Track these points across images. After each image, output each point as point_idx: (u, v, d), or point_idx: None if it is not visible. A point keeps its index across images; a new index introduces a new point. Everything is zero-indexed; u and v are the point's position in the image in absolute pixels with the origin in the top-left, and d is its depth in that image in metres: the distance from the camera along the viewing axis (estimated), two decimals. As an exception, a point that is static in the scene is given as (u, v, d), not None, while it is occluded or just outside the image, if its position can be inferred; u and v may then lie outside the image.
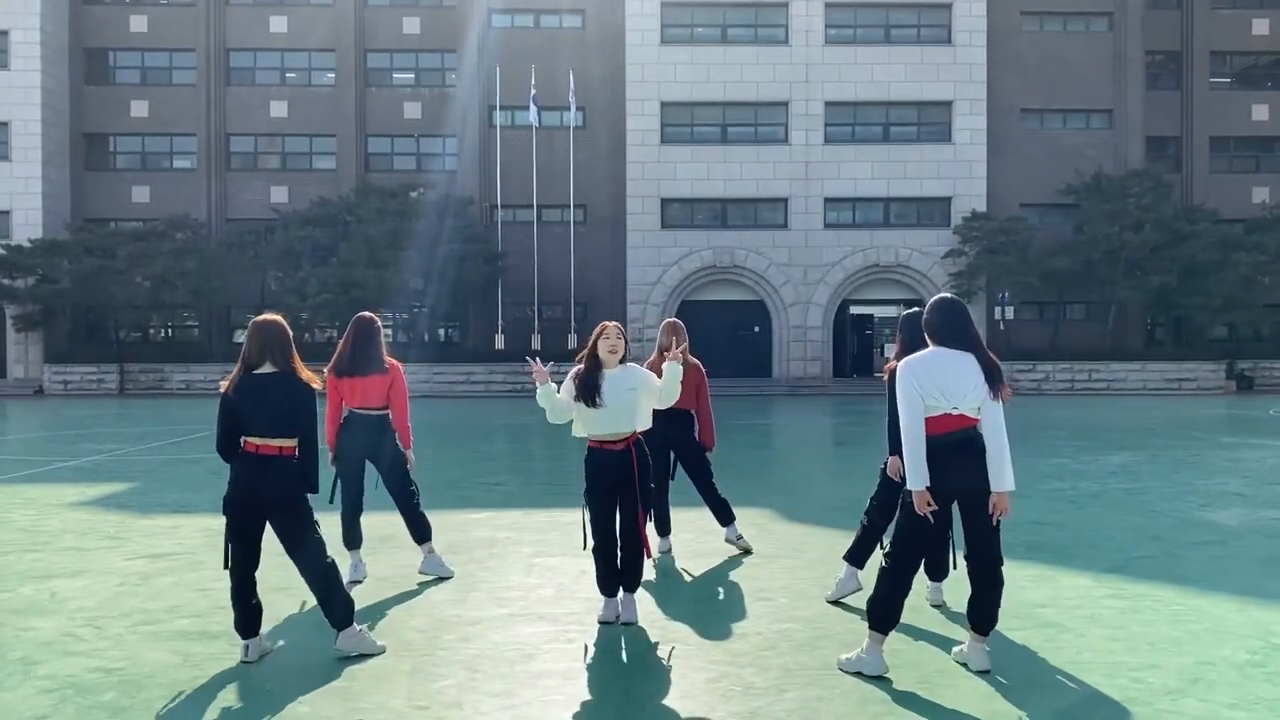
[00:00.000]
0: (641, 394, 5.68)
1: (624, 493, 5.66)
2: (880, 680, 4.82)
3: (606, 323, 5.80)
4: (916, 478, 4.72)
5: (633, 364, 5.77)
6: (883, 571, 4.94)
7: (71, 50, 36.82)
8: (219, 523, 8.91)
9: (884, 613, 4.89)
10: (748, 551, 7.72)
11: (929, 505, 4.73)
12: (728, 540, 7.79)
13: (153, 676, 4.90)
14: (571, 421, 5.74)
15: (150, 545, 8.05)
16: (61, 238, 34.57)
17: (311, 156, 37.39)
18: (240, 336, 36.67)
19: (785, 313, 35.18)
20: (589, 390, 5.58)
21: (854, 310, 37.47)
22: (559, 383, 5.70)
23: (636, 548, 5.71)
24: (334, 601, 5.18)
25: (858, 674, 4.89)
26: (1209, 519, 9.13)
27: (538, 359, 5.70)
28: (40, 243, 33.95)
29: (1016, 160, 35.73)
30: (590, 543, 5.79)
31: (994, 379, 4.79)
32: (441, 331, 37.13)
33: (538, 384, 5.54)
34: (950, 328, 4.87)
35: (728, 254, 35.07)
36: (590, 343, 5.72)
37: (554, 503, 10.11)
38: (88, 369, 34.40)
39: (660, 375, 6.41)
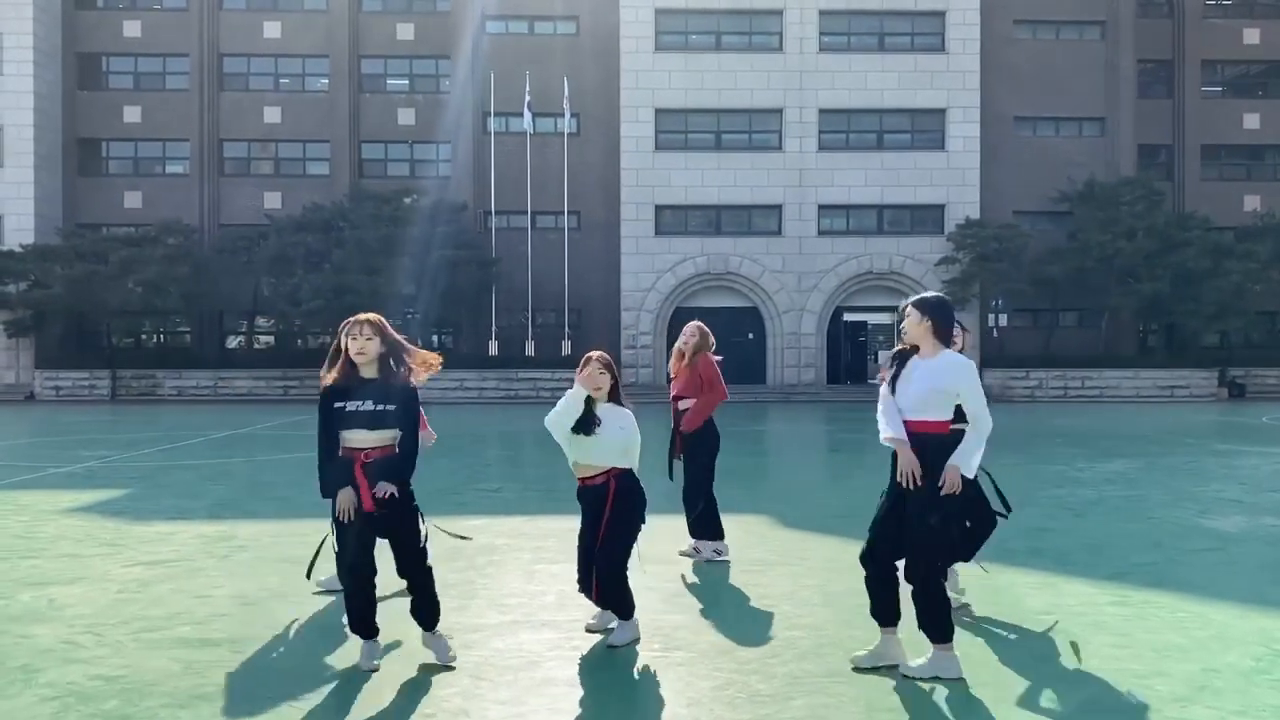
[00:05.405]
0: (629, 436, 5.55)
1: (604, 522, 5.46)
2: (888, 686, 4.81)
3: (591, 355, 5.60)
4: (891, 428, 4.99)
5: (623, 409, 5.57)
6: (934, 585, 4.91)
7: (64, 55, 36.69)
8: (216, 529, 8.95)
9: (950, 620, 4.97)
10: (689, 556, 7.71)
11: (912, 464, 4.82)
12: (686, 550, 7.78)
13: (155, 684, 4.86)
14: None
15: (148, 552, 8.00)
16: (53, 243, 34.46)
17: (305, 162, 37.34)
18: (233, 343, 36.63)
19: (779, 319, 35.19)
20: (586, 422, 5.45)
21: (848, 317, 37.44)
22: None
23: (611, 575, 5.43)
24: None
25: (934, 679, 4.88)
26: (1209, 526, 9.14)
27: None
28: (32, 248, 33.86)
29: (1009, 168, 35.83)
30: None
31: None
32: (435, 338, 37.00)
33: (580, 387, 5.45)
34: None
35: (722, 261, 35.07)
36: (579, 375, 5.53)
37: (552, 509, 10.08)
38: (79, 375, 34.25)
39: (677, 378, 6.36)
